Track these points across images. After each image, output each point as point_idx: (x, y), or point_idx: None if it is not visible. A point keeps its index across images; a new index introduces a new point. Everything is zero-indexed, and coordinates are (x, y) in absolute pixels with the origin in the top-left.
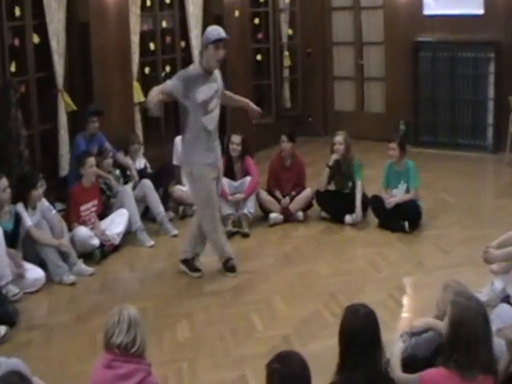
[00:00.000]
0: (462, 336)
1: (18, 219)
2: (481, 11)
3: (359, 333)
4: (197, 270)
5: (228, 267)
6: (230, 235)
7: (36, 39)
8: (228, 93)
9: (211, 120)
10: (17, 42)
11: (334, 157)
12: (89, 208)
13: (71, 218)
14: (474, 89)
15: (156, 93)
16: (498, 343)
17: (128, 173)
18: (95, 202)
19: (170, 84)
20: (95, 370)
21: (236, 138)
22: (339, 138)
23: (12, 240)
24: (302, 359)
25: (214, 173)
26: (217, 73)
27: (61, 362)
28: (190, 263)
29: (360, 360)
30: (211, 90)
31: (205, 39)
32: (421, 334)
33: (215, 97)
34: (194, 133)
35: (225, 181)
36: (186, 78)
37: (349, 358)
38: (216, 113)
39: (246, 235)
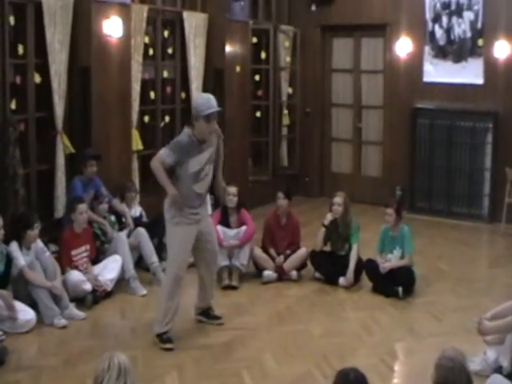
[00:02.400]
0: None
1: (9, 259)
2: (480, 81)
3: None
4: (170, 341)
5: (163, 339)
6: (223, 288)
7: (37, 78)
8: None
9: (203, 185)
10: (18, 79)
11: (330, 217)
12: (80, 253)
13: (62, 262)
14: (471, 158)
15: (172, 189)
16: None
17: (123, 219)
18: (87, 246)
19: (166, 156)
20: None
21: (232, 189)
22: (338, 199)
23: (3, 281)
24: None
25: (195, 230)
26: (211, 139)
27: None
28: (162, 337)
29: None
30: (203, 159)
31: (195, 110)
32: None
33: (208, 164)
34: (183, 193)
35: (220, 229)
36: (180, 148)
37: None
38: (208, 178)
39: (234, 288)
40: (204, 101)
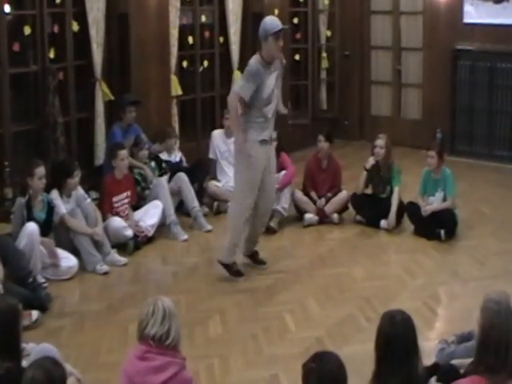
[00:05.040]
0: (492, 339)
1: (50, 207)
2: None
3: (396, 339)
4: (239, 273)
5: (234, 272)
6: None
7: (75, 27)
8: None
9: (271, 109)
10: (56, 28)
11: (372, 160)
12: (121, 199)
13: (104, 209)
14: None
15: (242, 138)
16: None
17: (163, 165)
18: (128, 193)
19: (243, 91)
20: (128, 361)
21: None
22: (380, 141)
23: (45, 229)
24: (338, 359)
25: (266, 156)
26: (277, 62)
27: (91, 350)
28: (230, 268)
29: (397, 367)
30: (272, 82)
31: (263, 31)
32: (461, 342)
33: (274, 87)
34: (253, 118)
35: None
36: (254, 76)
37: (385, 364)
38: (275, 101)
39: (272, 231)
40: (271, 21)
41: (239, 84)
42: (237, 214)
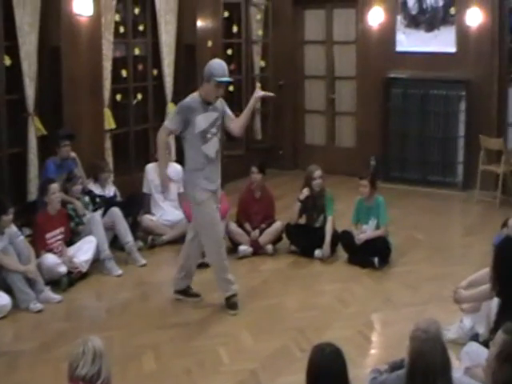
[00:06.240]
0: (420, 367)
1: None
2: (453, 49)
3: (326, 371)
4: (195, 295)
5: (230, 304)
6: (197, 266)
7: (8, 61)
8: (234, 119)
9: (211, 147)
10: None
11: (306, 192)
12: (55, 235)
13: (37, 245)
14: (444, 126)
15: (166, 178)
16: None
17: (97, 200)
18: (62, 229)
19: (171, 124)
20: None
21: None
22: (319, 172)
23: None
24: None
25: (215, 201)
26: (219, 102)
27: None
28: (185, 292)
29: None
30: (210, 118)
31: (209, 73)
32: (393, 370)
33: (214, 125)
34: (195, 161)
35: None
36: (184, 108)
37: None
38: (215, 140)
39: (206, 265)
40: (220, 67)
41: (169, 117)
42: (215, 256)
